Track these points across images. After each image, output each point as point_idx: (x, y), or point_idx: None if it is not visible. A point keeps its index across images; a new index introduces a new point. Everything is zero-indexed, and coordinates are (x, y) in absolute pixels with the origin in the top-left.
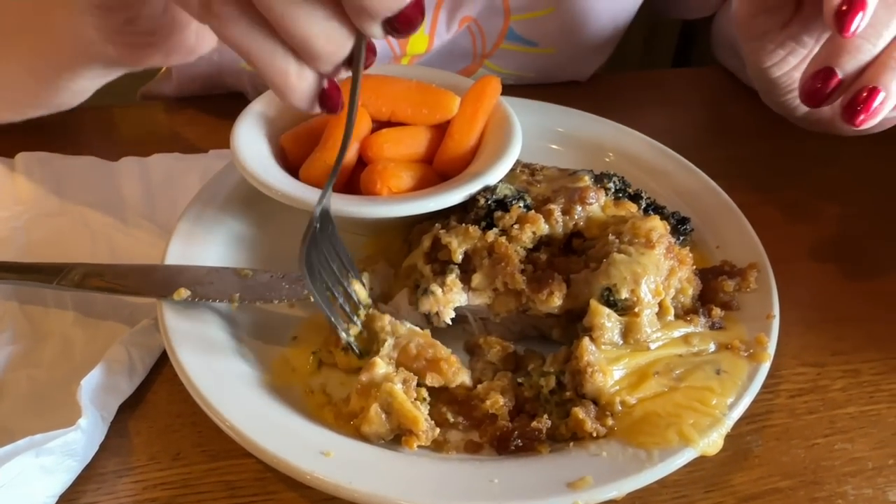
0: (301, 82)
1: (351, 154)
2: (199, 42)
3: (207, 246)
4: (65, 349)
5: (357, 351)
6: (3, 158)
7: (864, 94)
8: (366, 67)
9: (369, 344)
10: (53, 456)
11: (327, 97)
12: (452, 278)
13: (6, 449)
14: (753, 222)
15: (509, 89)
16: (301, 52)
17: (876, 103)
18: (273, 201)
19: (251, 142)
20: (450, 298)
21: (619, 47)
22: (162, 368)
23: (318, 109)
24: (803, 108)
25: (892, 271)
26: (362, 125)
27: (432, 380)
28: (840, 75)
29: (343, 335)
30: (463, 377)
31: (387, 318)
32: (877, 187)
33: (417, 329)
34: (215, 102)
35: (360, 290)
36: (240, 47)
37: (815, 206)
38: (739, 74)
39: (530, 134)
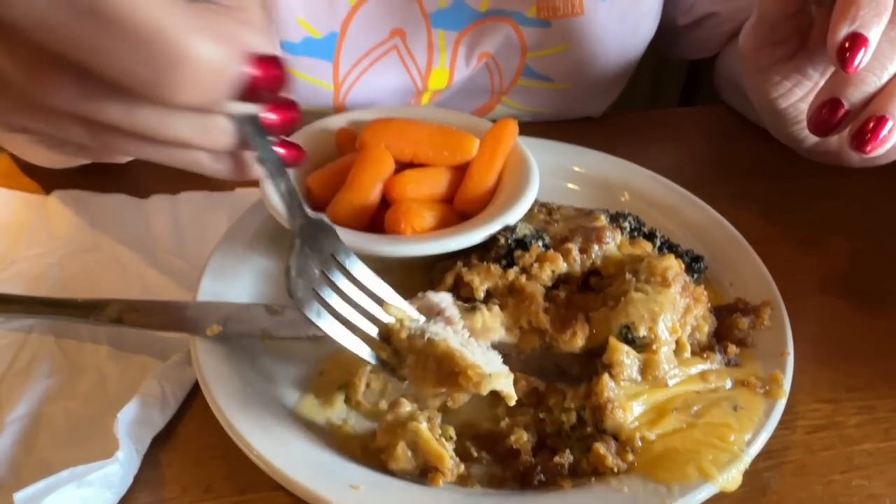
0: (218, 163)
1: (375, 194)
2: None
3: (237, 282)
4: (99, 382)
5: (389, 368)
6: (38, 196)
7: (872, 124)
8: (287, 126)
9: (395, 358)
10: (92, 488)
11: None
12: (492, 314)
13: (49, 481)
14: (764, 258)
15: (525, 126)
16: (195, 146)
17: (884, 132)
18: None
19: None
20: (489, 329)
21: (628, 87)
22: (193, 401)
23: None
24: (811, 139)
25: None
26: (385, 166)
27: (453, 402)
28: (847, 106)
29: (367, 358)
30: (492, 385)
31: (404, 333)
32: (886, 222)
33: (436, 338)
34: None
35: (391, 304)
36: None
37: (824, 242)
38: (745, 112)
39: (546, 173)
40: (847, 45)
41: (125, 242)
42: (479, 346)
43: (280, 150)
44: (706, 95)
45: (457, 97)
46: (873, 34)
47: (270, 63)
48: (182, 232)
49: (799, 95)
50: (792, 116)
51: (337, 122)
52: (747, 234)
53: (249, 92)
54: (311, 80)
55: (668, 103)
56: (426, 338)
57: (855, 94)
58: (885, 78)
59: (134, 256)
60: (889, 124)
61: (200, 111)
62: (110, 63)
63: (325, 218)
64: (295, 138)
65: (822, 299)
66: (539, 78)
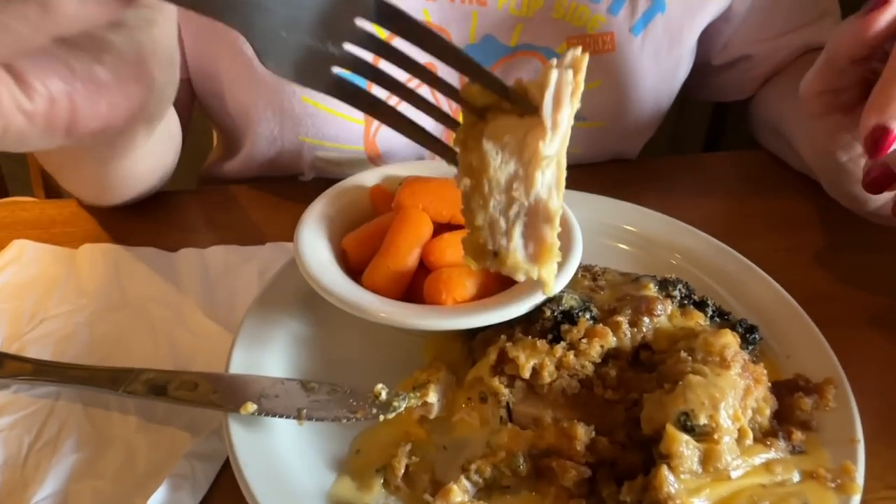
0: None
1: (413, 259)
2: None
3: (270, 350)
4: (128, 458)
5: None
6: (68, 249)
7: None
8: None
9: None
10: None
11: None
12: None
13: None
14: (818, 321)
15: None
16: None
17: None
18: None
19: (314, 245)
20: None
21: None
22: (223, 478)
23: None
24: (875, 201)
25: None
26: (423, 229)
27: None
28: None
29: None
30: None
31: None
32: None
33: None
34: (271, 186)
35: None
36: None
37: (882, 306)
38: (787, 159)
39: (591, 230)
40: (875, 135)
41: (154, 299)
42: None
43: None
44: (733, 137)
45: None
46: None
47: None
48: (212, 288)
49: (860, 150)
50: (851, 172)
51: (371, 178)
52: (797, 294)
53: None
54: (341, 116)
55: (692, 144)
56: None
57: None
58: None
59: (163, 315)
60: None
61: None
62: None
63: None
64: (328, 195)
65: (885, 370)
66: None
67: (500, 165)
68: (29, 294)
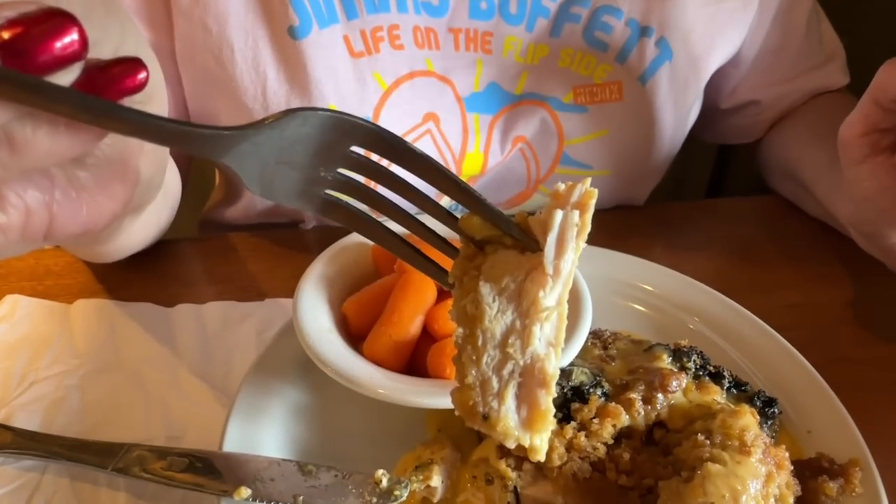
0: None
1: (416, 327)
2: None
3: (267, 421)
4: None
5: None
6: (62, 305)
7: None
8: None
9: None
10: None
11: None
12: None
13: None
14: (839, 387)
15: None
16: None
17: None
18: None
19: (313, 312)
20: None
21: None
22: None
23: None
24: None
25: None
26: (427, 295)
27: None
28: None
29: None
30: None
31: None
32: None
33: None
34: (272, 235)
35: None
36: None
37: None
38: (799, 201)
39: (599, 288)
40: None
41: (149, 361)
42: None
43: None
44: (736, 180)
45: (492, 186)
46: None
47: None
48: (209, 348)
49: None
50: (893, 221)
51: None
52: (816, 356)
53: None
54: None
55: (697, 187)
56: None
57: None
58: None
59: (158, 377)
60: None
61: None
62: None
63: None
64: (328, 254)
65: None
66: (577, 165)
67: (496, 315)
68: (20, 354)
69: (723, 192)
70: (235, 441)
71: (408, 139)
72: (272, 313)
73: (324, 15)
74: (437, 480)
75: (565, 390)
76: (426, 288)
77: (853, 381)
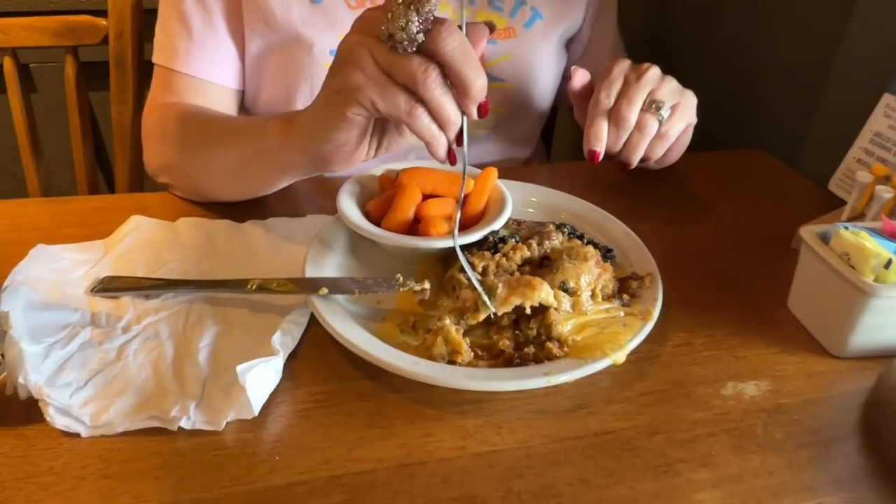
0: (441, 141)
1: (411, 213)
2: (367, 153)
3: (327, 265)
4: (246, 329)
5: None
6: (170, 222)
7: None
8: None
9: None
10: (269, 368)
11: (451, 154)
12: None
13: (252, 362)
14: (647, 238)
15: (502, 172)
16: (442, 124)
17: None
18: (365, 243)
19: (350, 208)
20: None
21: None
22: (304, 338)
23: (447, 162)
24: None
25: (745, 283)
26: (417, 197)
27: (526, 297)
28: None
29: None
30: (546, 296)
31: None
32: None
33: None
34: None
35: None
36: (415, 128)
37: (687, 234)
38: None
39: (515, 202)
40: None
41: (235, 249)
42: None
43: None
44: None
45: None
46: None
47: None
48: (273, 244)
49: None
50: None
51: (378, 170)
52: (637, 230)
53: (479, 107)
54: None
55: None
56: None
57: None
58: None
59: (246, 258)
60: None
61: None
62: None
63: None
64: (352, 181)
65: (685, 271)
66: (495, 80)
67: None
68: (150, 248)
69: None
70: (311, 273)
71: None
72: (315, 223)
73: None
74: (427, 284)
75: (495, 239)
76: (416, 193)
77: (655, 243)
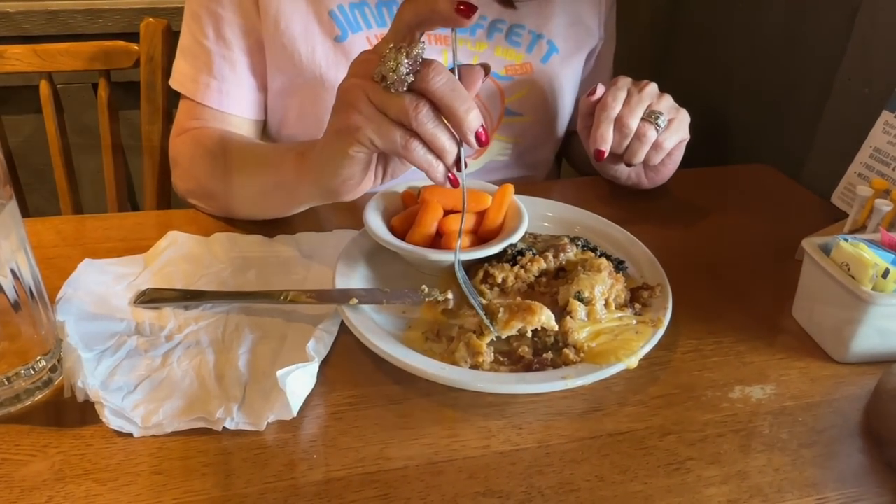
0: (439, 169)
1: (433, 228)
2: (374, 182)
3: (355, 277)
4: (281, 338)
5: (490, 326)
6: (204, 237)
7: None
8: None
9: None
10: (306, 373)
11: (452, 179)
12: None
13: (290, 367)
14: (657, 250)
15: (518, 188)
16: (437, 154)
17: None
18: (391, 256)
19: (376, 222)
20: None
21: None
22: (335, 345)
23: (448, 185)
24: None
25: (747, 288)
26: (439, 213)
27: (526, 321)
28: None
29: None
30: (547, 319)
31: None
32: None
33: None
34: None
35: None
36: (412, 159)
37: (694, 244)
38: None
39: (532, 216)
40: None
41: (267, 264)
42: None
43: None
44: None
45: None
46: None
47: (486, 129)
48: (304, 257)
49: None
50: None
51: (401, 187)
52: (647, 242)
53: (476, 135)
54: None
55: None
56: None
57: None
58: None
59: (275, 272)
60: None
61: (454, 135)
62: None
63: None
64: (377, 197)
65: (694, 280)
66: (513, 115)
67: None
68: (187, 262)
69: None
70: (340, 285)
71: None
72: (342, 237)
73: (354, 25)
74: (450, 295)
75: (513, 252)
76: (438, 209)
77: (665, 255)
